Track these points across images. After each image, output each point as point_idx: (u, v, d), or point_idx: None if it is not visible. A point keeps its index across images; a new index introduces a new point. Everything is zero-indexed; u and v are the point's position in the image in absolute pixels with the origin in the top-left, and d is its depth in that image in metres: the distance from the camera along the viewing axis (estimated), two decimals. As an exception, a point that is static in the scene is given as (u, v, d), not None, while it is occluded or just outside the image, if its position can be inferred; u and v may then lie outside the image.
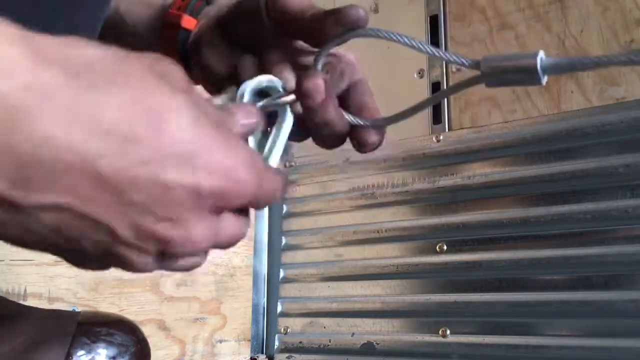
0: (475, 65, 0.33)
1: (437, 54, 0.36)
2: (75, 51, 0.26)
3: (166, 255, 0.30)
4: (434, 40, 1.01)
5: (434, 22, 1.02)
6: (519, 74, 0.32)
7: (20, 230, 0.27)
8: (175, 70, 0.30)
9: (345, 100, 0.41)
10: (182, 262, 0.31)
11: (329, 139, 0.41)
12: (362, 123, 0.40)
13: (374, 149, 0.41)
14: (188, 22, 0.46)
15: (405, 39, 0.36)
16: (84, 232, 0.27)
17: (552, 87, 0.89)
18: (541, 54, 0.32)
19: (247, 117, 0.35)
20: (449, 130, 0.97)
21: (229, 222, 0.32)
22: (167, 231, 0.28)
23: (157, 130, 0.27)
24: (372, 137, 0.40)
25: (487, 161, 0.93)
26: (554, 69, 0.32)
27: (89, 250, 0.28)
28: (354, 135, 0.41)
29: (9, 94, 0.23)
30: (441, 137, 0.97)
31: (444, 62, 0.99)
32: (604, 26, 0.87)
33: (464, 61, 0.34)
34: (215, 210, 0.30)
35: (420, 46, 0.36)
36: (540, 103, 0.90)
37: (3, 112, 0.23)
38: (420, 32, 1.03)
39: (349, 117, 0.40)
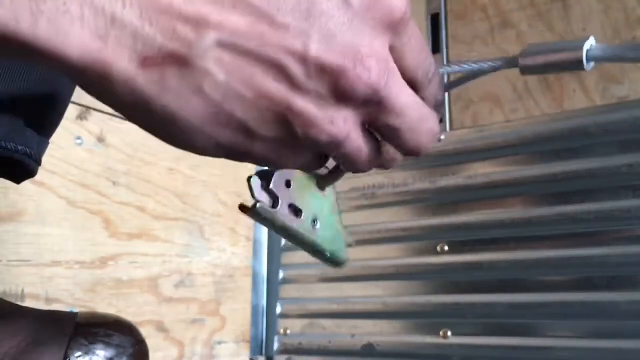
0: (513, 63, 0.33)
1: (468, 66, 0.35)
2: None
3: (346, 97, 0.27)
4: (435, 39, 1.01)
5: (435, 20, 1.02)
6: (560, 67, 0.32)
7: (196, 98, 0.26)
8: None
9: None
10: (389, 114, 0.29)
11: None
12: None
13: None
14: None
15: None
16: (256, 81, 0.26)
17: (554, 86, 0.88)
18: (587, 46, 0.31)
19: None
20: (450, 129, 0.97)
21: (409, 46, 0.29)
22: (334, 57, 0.26)
23: None
24: None
25: (489, 161, 0.92)
26: (601, 58, 0.31)
27: (267, 116, 0.27)
28: None
29: None
30: (442, 137, 0.96)
31: (445, 61, 0.99)
32: (606, 24, 0.86)
33: (499, 64, 0.34)
34: (381, 28, 0.28)
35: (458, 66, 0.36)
36: (542, 102, 0.89)
37: None
38: (421, 30, 1.02)
39: None
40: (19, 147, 0.47)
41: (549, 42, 0.33)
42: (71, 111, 0.80)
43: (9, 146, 0.46)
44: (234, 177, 1.06)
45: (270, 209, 0.35)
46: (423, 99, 0.32)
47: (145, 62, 0.24)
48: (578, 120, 0.86)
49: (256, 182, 0.35)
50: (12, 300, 0.66)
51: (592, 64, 0.32)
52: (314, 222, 0.38)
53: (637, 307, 0.77)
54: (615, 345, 0.78)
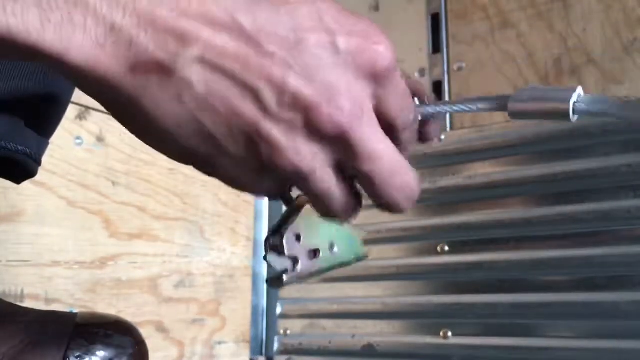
0: (502, 107, 0.35)
1: (464, 108, 0.37)
2: None
3: (315, 132, 0.29)
4: (435, 39, 1.01)
5: (435, 20, 1.02)
6: (547, 116, 0.34)
7: (174, 105, 0.27)
8: None
9: None
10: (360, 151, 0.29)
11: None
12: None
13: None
14: None
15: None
16: (231, 100, 0.27)
17: (554, 86, 0.88)
18: (575, 97, 0.33)
19: None
20: (450, 129, 0.97)
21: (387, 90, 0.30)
22: (310, 92, 0.28)
23: None
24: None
25: (489, 161, 0.92)
26: (586, 112, 0.33)
27: (236, 134, 0.28)
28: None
29: None
30: (442, 137, 0.96)
31: (445, 61, 0.99)
32: (606, 25, 0.86)
33: (491, 105, 0.36)
34: (363, 75, 0.29)
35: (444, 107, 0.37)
36: (542, 102, 0.89)
37: None
38: (421, 30, 1.02)
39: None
40: (19, 147, 0.47)
41: (538, 88, 0.34)
42: (71, 111, 0.80)
43: (9, 146, 0.46)
44: (234, 177, 1.06)
45: (294, 272, 0.36)
46: (398, 142, 0.33)
47: (135, 68, 0.26)
48: (578, 120, 0.85)
49: (273, 257, 0.36)
50: (12, 301, 0.66)
51: (576, 116, 0.34)
52: (331, 247, 0.39)
53: (638, 307, 0.77)
54: (616, 345, 0.78)
